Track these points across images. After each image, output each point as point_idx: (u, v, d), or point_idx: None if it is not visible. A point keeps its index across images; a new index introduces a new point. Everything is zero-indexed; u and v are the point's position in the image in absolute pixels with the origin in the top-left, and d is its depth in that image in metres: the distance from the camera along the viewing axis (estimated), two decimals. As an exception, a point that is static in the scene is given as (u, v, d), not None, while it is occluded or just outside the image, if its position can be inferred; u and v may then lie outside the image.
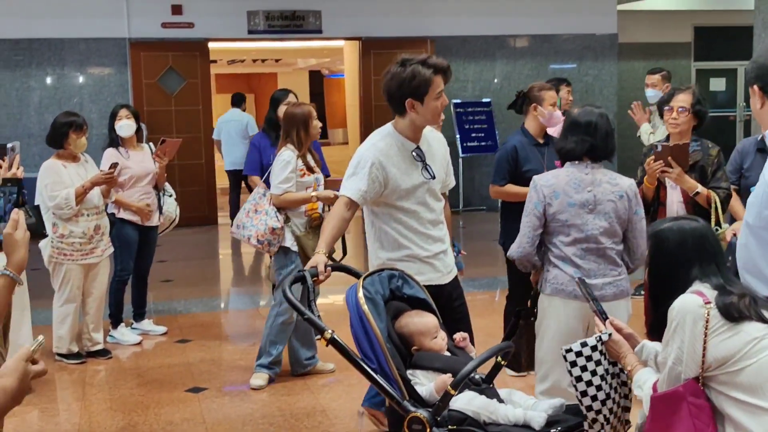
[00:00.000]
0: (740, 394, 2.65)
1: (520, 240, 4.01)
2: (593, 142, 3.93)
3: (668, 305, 2.78)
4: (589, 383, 2.97)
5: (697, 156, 4.73)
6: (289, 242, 5.38)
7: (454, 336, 3.49)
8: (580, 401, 2.97)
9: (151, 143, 6.80)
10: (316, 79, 28.64)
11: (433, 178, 3.88)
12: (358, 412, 4.85)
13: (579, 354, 3.00)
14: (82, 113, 6.55)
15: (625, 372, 3.03)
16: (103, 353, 6.19)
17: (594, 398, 2.97)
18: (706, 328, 2.67)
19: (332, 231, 3.71)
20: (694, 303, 2.71)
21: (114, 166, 5.98)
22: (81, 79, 11.96)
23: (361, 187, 3.74)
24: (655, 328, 2.88)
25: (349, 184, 3.78)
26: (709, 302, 2.70)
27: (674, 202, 4.74)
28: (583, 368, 2.98)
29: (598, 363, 3.01)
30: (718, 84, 14.93)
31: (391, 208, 3.83)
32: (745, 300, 2.71)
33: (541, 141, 5.30)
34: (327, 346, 3.13)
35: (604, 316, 3.14)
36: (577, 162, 3.97)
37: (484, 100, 13.05)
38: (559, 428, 3.02)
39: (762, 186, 2.95)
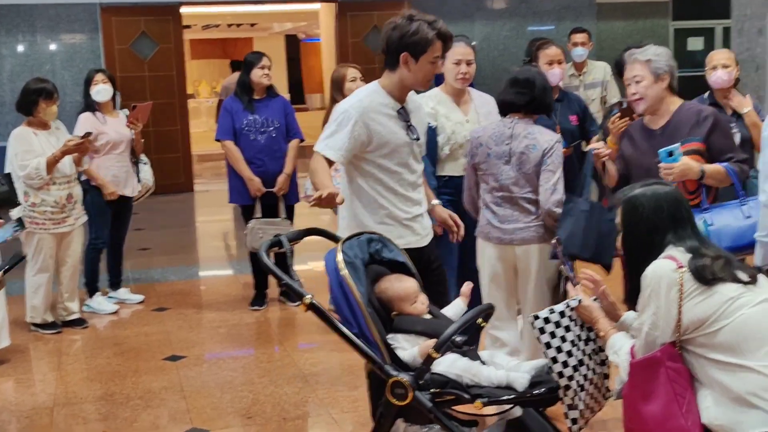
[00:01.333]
0: (719, 355, 2.64)
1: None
2: (532, 95, 4.11)
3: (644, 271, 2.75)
4: (558, 349, 2.93)
5: None
6: None
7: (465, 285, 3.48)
8: (550, 368, 2.93)
9: (126, 110, 6.67)
10: (293, 43, 28.34)
11: (418, 139, 3.83)
12: None
13: (546, 320, 2.96)
14: (55, 80, 6.42)
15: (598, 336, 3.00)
16: (79, 323, 6.11)
17: (565, 364, 2.92)
18: (681, 293, 2.65)
19: (328, 174, 3.68)
20: (667, 268, 2.69)
21: (87, 135, 5.85)
22: (52, 46, 11.72)
23: (342, 145, 3.66)
24: (633, 295, 2.85)
25: (330, 142, 3.69)
26: (682, 266, 2.68)
27: None
28: (552, 335, 2.94)
29: (567, 329, 2.97)
30: (696, 43, 14.86)
31: (375, 167, 3.76)
32: (719, 262, 2.69)
33: (553, 96, 5.22)
34: (306, 311, 3.07)
35: (574, 282, 3.11)
36: (509, 116, 4.18)
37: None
38: (542, 389, 2.99)
39: None
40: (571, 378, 2.92)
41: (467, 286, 3.47)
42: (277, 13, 20.51)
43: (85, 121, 6.22)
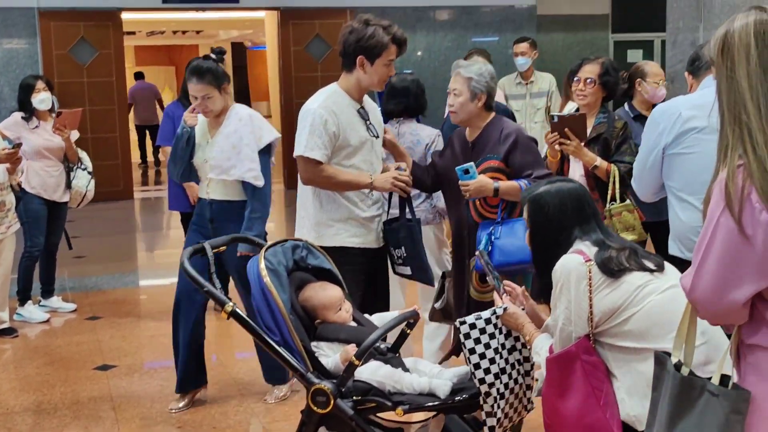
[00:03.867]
0: (630, 342, 2.68)
1: None
2: (407, 102, 4.77)
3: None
4: (482, 356, 2.94)
5: (601, 128, 4.60)
6: None
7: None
8: (473, 374, 2.94)
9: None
10: (239, 51, 28.17)
11: (377, 137, 4.03)
12: None
13: (473, 326, 2.97)
14: (-9, 86, 6.32)
15: (525, 342, 3.02)
16: (9, 332, 5.99)
17: (486, 371, 2.93)
18: (590, 285, 2.68)
19: (342, 171, 3.91)
20: (575, 262, 2.73)
21: (18, 145, 5.75)
22: (-11, 51, 11.52)
23: (323, 143, 3.82)
24: (543, 292, 2.88)
25: (310, 143, 3.82)
26: (589, 260, 2.72)
27: (576, 176, 4.58)
28: (477, 341, 2.95)
29: (492, 336, 2.98)
30: (635, 56, 15.10)
31: (339, 165, 3.91)
32: (624, 252, 2.74)
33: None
34: (228, 319, 3.06)
35: (502, 291, 3.13)
36: (395, 119, 4.81)
37: (406, 71, 12.97)
38: (464, 395, 3.01)
39: None
40: (491, 385, 2.94)
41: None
42: (223, 21, 20.39)
43: (14, 121, 6.19)
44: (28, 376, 5.25)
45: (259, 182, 4.46)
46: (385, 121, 4.69)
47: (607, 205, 4.36)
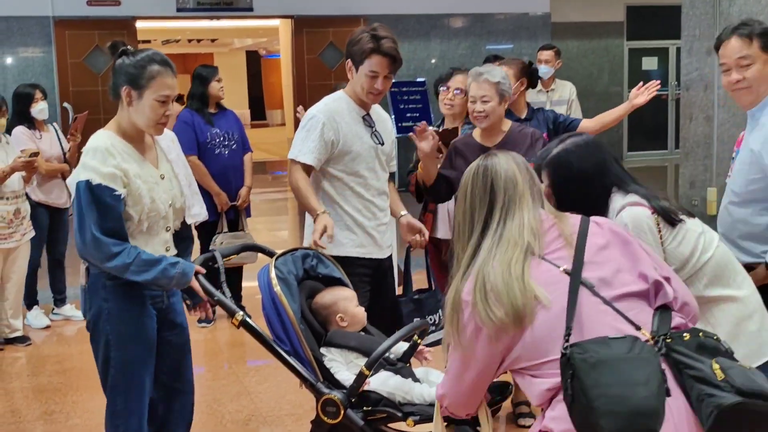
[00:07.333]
0: (709, 290, 2.70)
1: None
2: None
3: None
4: None
5: None
6: None
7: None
8: None
9: (54, 124, 6.60)
10: (254, 59, 28.33)
11: (382, 144, 3.95)
12: None
13: None
14: (7, 94, 6.32)
15: None
16: (22, 340, 6.00)
17: None
18: (660, 236, 2.68)
19: (311, 191, 3.77)
20: (643, 214, 2.70)
21: (35, 154, 5.76)
22: (5, 59, 11.60)
23: (315, 148, 3.77)
24: None
25: (303, 147, 3.79)
26: (654, 211, 2.70)
27: None
28: None
29: None
30: (650, 63, 15.07)
31: (342, 171, 3.85)
32: (672, 201, 2.77)
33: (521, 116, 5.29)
34: (238, 328, 3.05)
35: None
36: None
37: (419, 79, 12.99)
38: (475, 407, 2.97)
39: (746, 153, 3.18)
40: None
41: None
42: (237, 29, 20.48)
43: (21, 137, 6.14)
44: (41, 384, 5.25)
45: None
46: None
47: None
